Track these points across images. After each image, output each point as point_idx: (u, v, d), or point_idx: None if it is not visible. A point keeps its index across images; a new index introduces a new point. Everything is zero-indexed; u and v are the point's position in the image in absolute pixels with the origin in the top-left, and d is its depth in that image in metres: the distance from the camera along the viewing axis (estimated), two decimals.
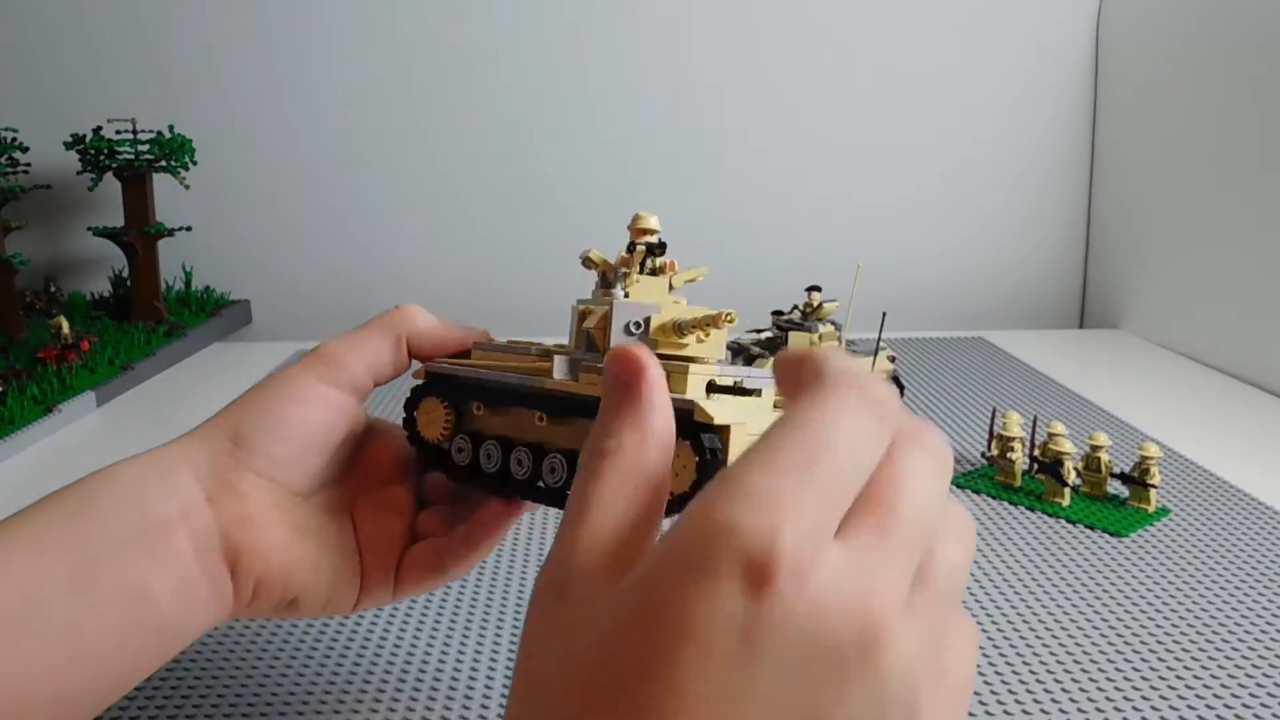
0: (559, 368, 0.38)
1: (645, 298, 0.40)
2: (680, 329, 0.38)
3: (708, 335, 0.38)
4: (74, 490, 0.36)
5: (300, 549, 0.39)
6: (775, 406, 0.39)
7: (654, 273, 0.40)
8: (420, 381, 0.44)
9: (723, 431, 0.34)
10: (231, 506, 0.37)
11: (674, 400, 0.34)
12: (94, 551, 0.34)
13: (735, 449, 0.34)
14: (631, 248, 0.40)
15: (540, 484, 0.39)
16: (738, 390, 0.37)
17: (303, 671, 0.50)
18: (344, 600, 0.41)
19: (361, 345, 0.42)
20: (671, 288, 0.40)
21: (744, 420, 0.34)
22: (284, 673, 0.50)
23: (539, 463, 0.38)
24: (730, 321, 0.37)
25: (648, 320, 0.38)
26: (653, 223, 0.41)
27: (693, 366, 0.36)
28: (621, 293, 0.40)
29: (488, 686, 0.49)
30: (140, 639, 0.35)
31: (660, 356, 0.37)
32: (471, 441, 0.41)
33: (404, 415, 0.44)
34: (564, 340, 0.43)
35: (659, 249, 0.41)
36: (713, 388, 0.36)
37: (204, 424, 0.40)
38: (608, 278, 0.41)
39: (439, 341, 0.44)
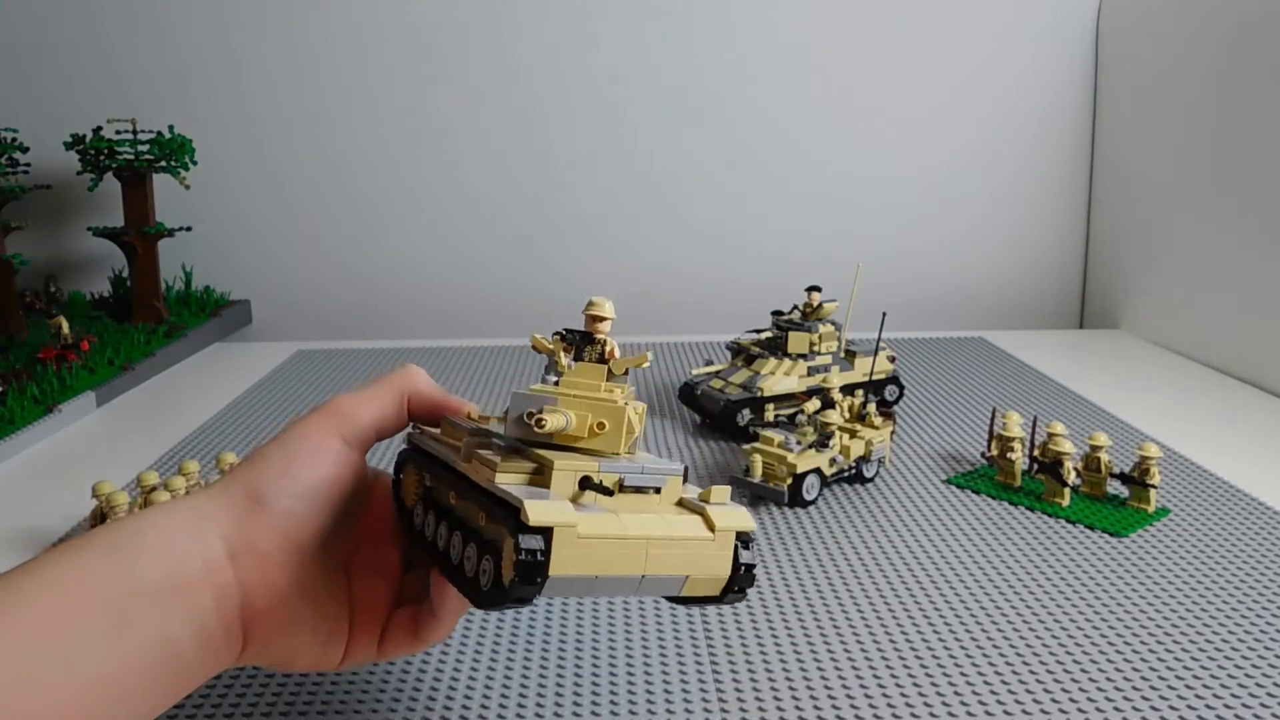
0: (464, 450, 0.39)
1: (576, 385, 0.40)
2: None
3: (601, 429, 0.38)
4: (107, 537, 0.37)
5: (303, 610, 0.40)
6: (679, 504, 0.39)
7: (601, 360, 0.41)
8: (405, 448, 0.45)
9: (547, 534, 0.34)
10: (250, 565, 0.38)
11: (505, 494, 0.35)
12: (128, 601, 0.35)
13: (565, 551, 0.34)
14: (585, 337, 0.42)
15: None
16: (622, 489, 0.38)
17: (302, 686, 0.51)
18: (330, 659, 0.42)
19: (371, 402, 0.44)
20: (611, 375, 0.40)
21: (577, 523, 0.34)
22: (279, 679, 0.50)
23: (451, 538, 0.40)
24: (632, 429, 0.39)
25: (541, 409, 0.38)
26: (605, 309, 0.42)
27: (560, 462, 0.37)
28: (554, 379, 0.41)
29: (471, 685, 0.49)
30: (163, 683, 0.36)
31: (544, 446, 0.38)
32: (425, 510, 0.43)
33: (392, 478, 0.46)
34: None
35: (583, 341, 0.42)
36: (587, 484, 0.37)
37: (226, 478, 0.41)
38: (553, 361, 0.42)
39: (434, 406, 0.45)
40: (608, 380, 0.40)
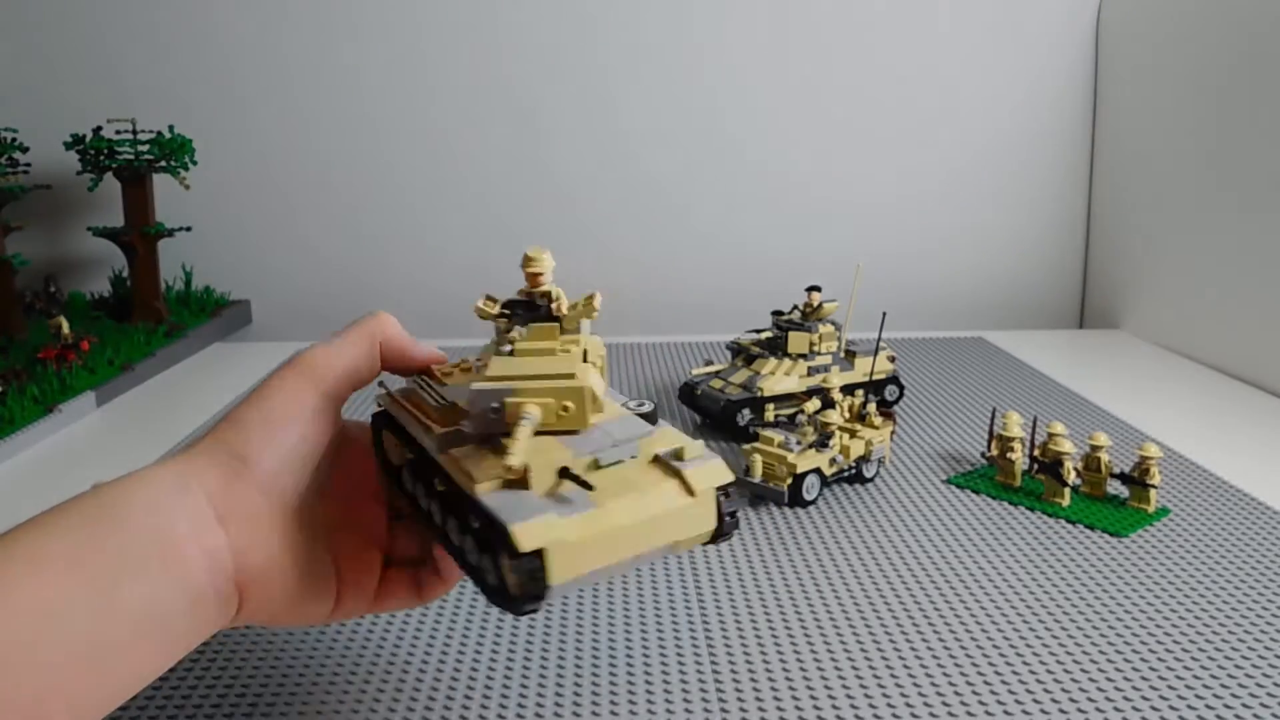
0: (438, 444, 0.38)
1: (531, 354, 0.40)
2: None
3: (567, 412, 0.37)
4: (92, 502, 0.37)
5: (293, 568, 0.40)
6: (655, 462, 0.37)
7: (550, 317, 0.41)
8: (378, 410, 0.44)
9: (541, 553, 0.33)
10: (240, 528, 0.38)
11: (490, 512, 0.34)
12: (115, 568, 0.35)
13: (560, 562, 0.33)
14: (528, 302, 0.41)
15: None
16: (599, 468, 0.36)
17: (293, 667, 0.51)
18: (318, 615, 0.42)
19: (344, 352, 0.43)
20: (564, 330, 0.41)
21: (565, 536, 0.33)
22: (282, 671, 0.50)
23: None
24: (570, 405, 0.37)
25: (503, 404, 0.37)
26: (540, 264, 0.41)
27: (536, 459, 0.35)
28: (507, 350, 0.40)
29: (471, 685, 0.49)
30: (152, 650, 0.36)
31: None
32: (414, 478, 0.42)
33: (373, 435, 0.45)
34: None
35: (528, 306, 0.41)
36: (565, 474, 0.35)
37: (207, 437, 0.40)
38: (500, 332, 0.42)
39: (405, 355, 0.45)
40: (563, 335, 0.40)
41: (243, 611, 0.39)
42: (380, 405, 0.45)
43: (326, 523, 0.43)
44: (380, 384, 0.45)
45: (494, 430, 0.37)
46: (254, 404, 0.41)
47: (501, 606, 0.35)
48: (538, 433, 0.37)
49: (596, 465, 0.37)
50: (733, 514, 0.38)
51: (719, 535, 0.38)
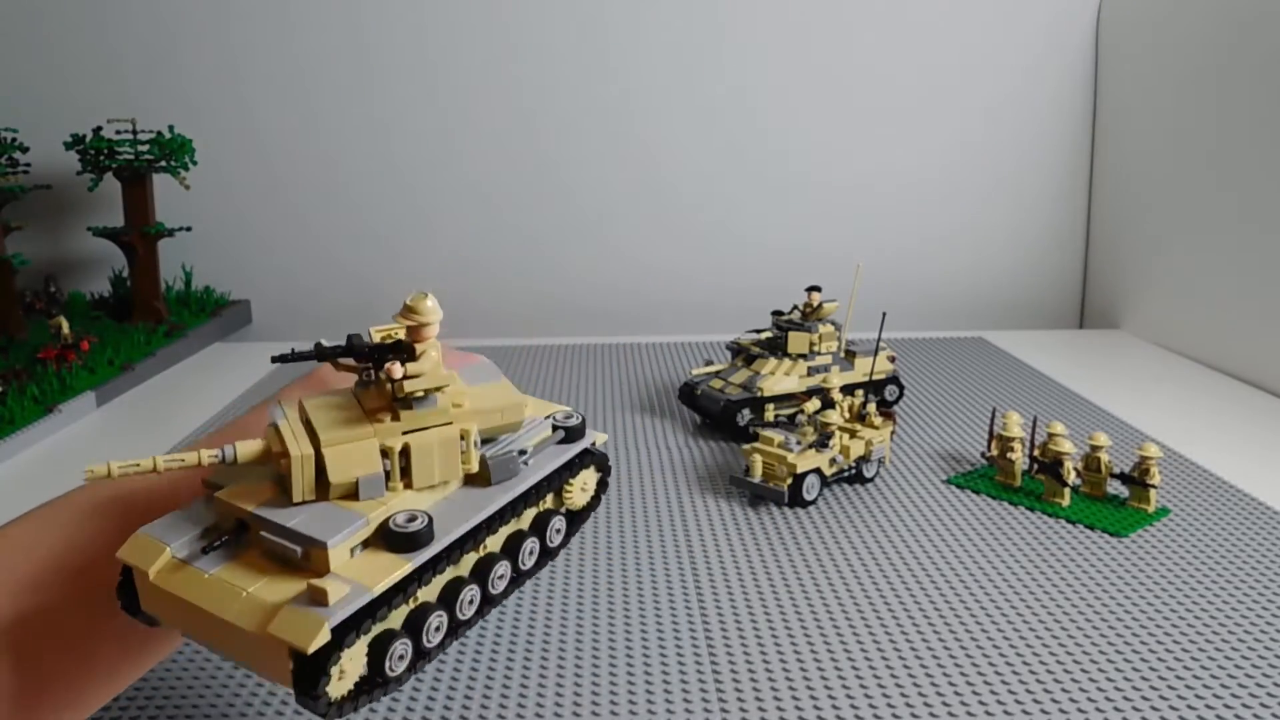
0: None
1: (351, 407, 0.36)
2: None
3: (286, 470, 0.33)
4: (80, 504, 0.38)
5: None
6: (323, 576, 0.31)
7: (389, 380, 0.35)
8: None
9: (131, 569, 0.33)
10: None
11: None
12: (103, 567, 0.36)
13: (147, 591, 0.33)
14: (387, 348, 0.35)
15: None
16: (264, 540, 0.33)
17: None
18: None
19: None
20: (400, 401, 0.34)
21: (151, 569, 0.32)
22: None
23: None
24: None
25: (268, 429, 0.35)
26: (418, 315, 0.34)
27: (227, 491, 0.34)
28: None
29: (471, 685, 0.49)
30: (140, 645, 0.37)
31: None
32: None
33: None
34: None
35: (378, 358, 0.35)
36: (240, 529, 0.33)
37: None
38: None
39: None
40: (398, 402, 0.34)
41: None
42: None
43: None
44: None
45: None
46: (234, 428, 0.42)
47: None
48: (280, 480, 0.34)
49: (261, 538, 0.33)
50: (314, 688, 0.30)
51: (303, 700, 0.31)
